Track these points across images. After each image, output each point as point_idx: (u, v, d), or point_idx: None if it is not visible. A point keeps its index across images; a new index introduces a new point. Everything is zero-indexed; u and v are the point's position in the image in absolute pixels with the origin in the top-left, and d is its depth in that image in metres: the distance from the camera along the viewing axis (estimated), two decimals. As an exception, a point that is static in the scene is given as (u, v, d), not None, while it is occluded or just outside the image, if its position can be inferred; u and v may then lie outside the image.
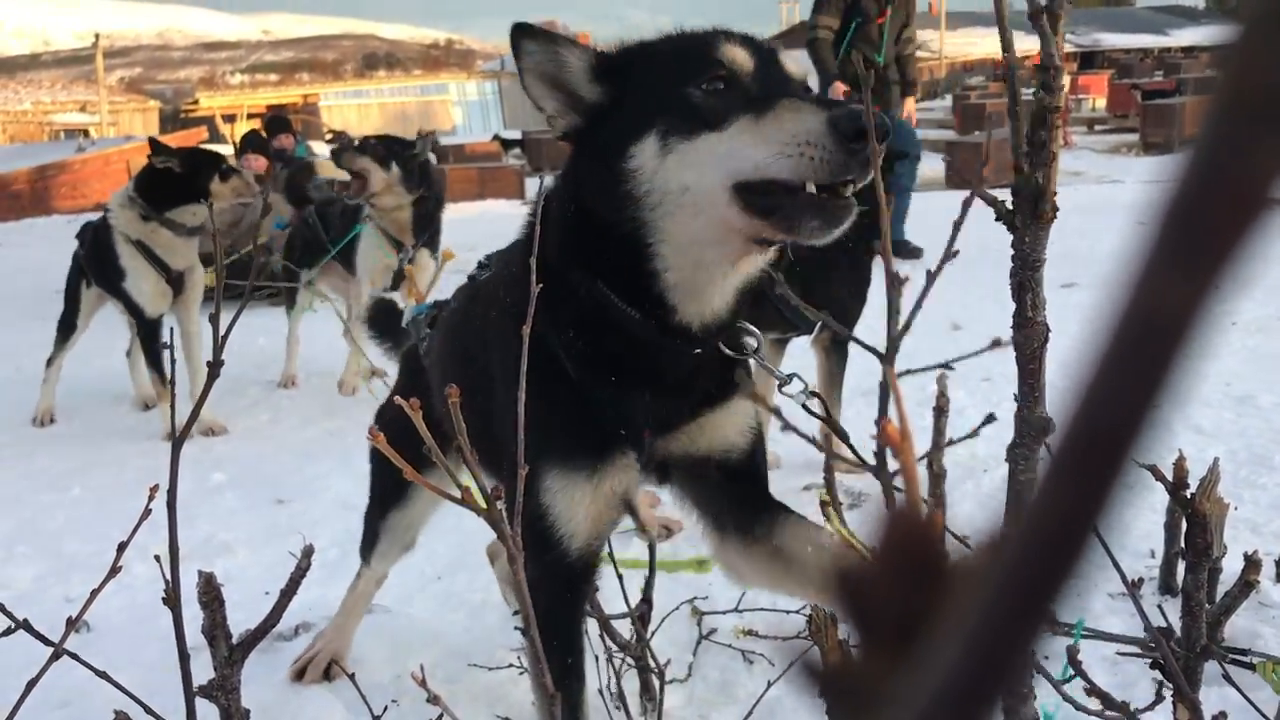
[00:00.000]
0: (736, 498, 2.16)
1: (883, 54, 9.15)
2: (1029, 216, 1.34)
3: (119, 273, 6.09)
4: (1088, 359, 0.30)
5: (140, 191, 6.06)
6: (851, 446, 1.94)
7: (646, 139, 1.82)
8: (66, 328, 6.74)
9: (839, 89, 8.96)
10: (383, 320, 3.70)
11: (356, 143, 6.58)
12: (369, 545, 3.13)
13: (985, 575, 0.31)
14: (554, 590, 2.04)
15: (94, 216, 6.96)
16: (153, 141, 6.33)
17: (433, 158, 6.71)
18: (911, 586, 0.35)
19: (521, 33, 1.97)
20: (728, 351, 1.99)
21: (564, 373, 1.98)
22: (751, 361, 2.07)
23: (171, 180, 5.98)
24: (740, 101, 1.81)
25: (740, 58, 1.87)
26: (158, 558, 1.39)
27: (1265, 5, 0.27)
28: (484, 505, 0.84)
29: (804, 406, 2.12)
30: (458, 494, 1.06)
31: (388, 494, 3.00)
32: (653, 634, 2.80)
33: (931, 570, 0.35)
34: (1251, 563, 2.01)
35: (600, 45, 2.03)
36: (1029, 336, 1.41)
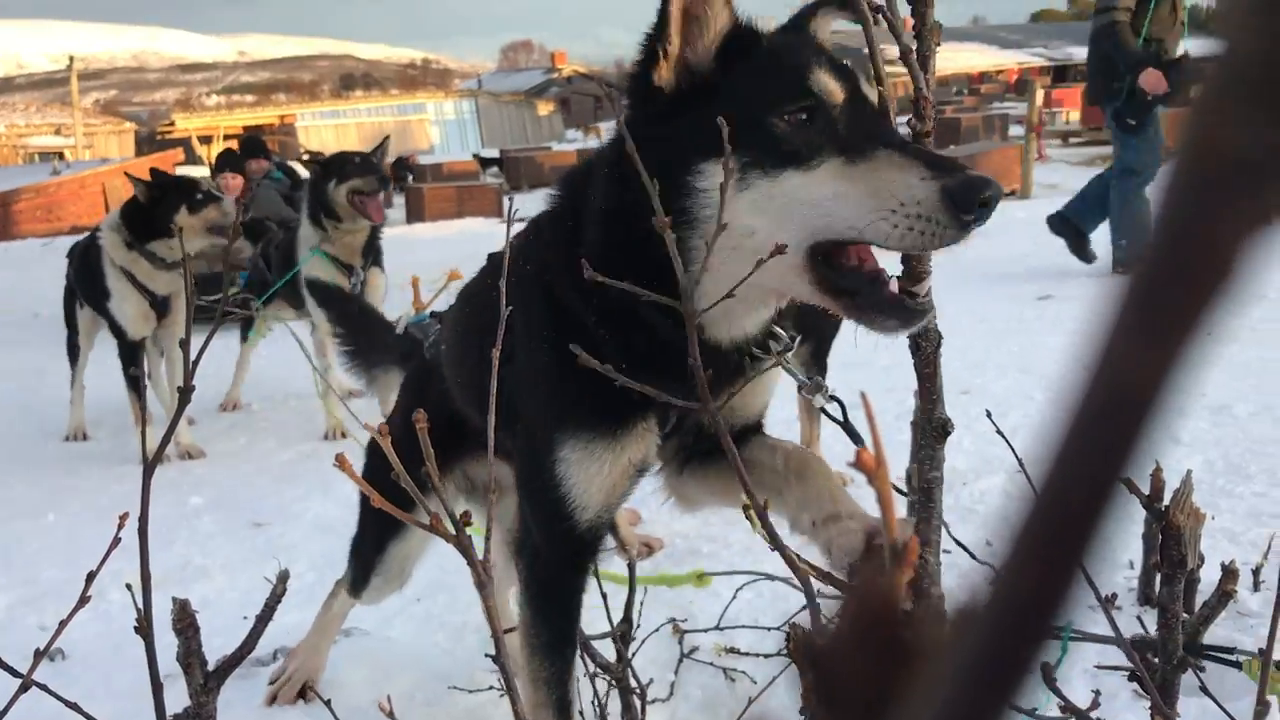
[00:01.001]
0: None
1: (1185, 35, 8.62)
2: None
3: (104, 293, 6.15)
4: (1053, 430, 0.29)
5: (125, 219, 6.08)
6: (858, 454, 1.92)
7: (718, 165, 1.58)
8: (73, 350, 6.89)
9: (1152, 77, 8.26)
10: (346, 312, 3.64)
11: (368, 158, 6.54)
12: (360, 579, 2.97)
13: (952, 655, 0.31)
14: (558, 560, 2.03)
15: (69, 240, 6.95)
16: (127, 174, 6.35)
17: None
18: (876, 662, 0.34)
19: None
20: (755, 352, 1.93)
21: (589, 341, 1.84)
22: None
23: (146, 213, 5.99)
24: (828, 139, 1.62)
25: (831, 88, 1.67)
26: (129, 586, 1.37)
27: (1224, 70, 0.26)
28: (453, 532, 0.83)
29: (823, 410, 2.12)
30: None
31: (385, 525, 2.82)
32: (634, 653, 2.79)
33: (896, 646, 0.34)
34: (1229, 573, 2.02)
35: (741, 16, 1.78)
36: (923, 342, 1.44)
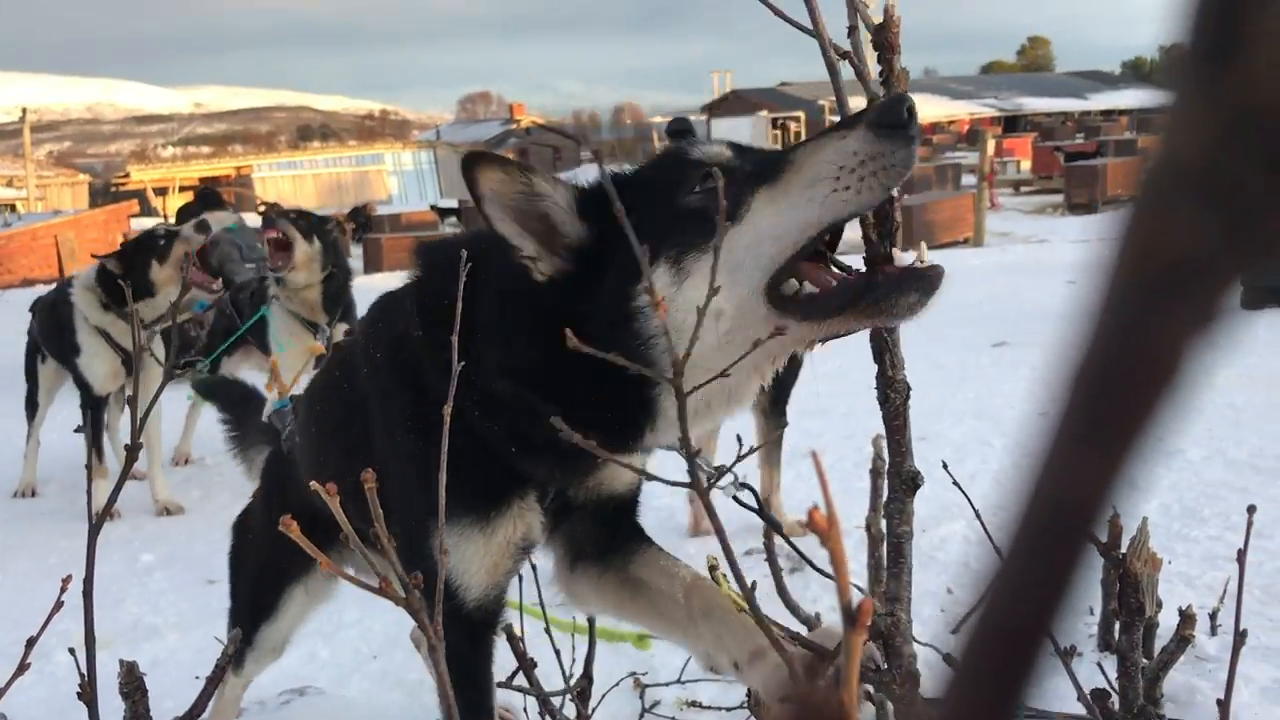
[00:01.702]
0: (608, 530, 2.12)
1: None
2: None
3: (74, 349, 6.09)
4: (999, 543, 0.28)
5: (100, 281, 6.03)
6: (786, 539, 1.93)
7: (656, 270, 1.60)
8: (32, 405, 6.80)
9: None
10: (230, 398, 3.58)
11: (291, 213, 6.51)
12: (238, 656, 2.84)
13: None
14: (454, 639, 2.02)
15: (21, 293, 6.89)
16: (94, 255, 6.30)
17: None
18: None
19: (479, 164, 1.67)
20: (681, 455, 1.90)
21: (460, 419, 1.84)
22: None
23: (125, 278, 5.94)
24: (742, 185, 1.61)
25: (715, 150, 1.70)
26: (73, 651, 1.33)
27: (1157, 183, 0.26)
28: (403, 594, 0.81)
29: (735, 499, 2.11)
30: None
31: (257, 607, 2.76)
32: (594, 709, 2.75)
33: None
34: (1186, 618, 2.03)
35: (577, 182, 1.82)
36: (891, 394, 1.44)
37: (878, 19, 1.46)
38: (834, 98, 1.66)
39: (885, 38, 1.40)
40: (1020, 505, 0.28)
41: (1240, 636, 1.58)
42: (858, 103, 1.63)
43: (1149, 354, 0.26)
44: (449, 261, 1.86)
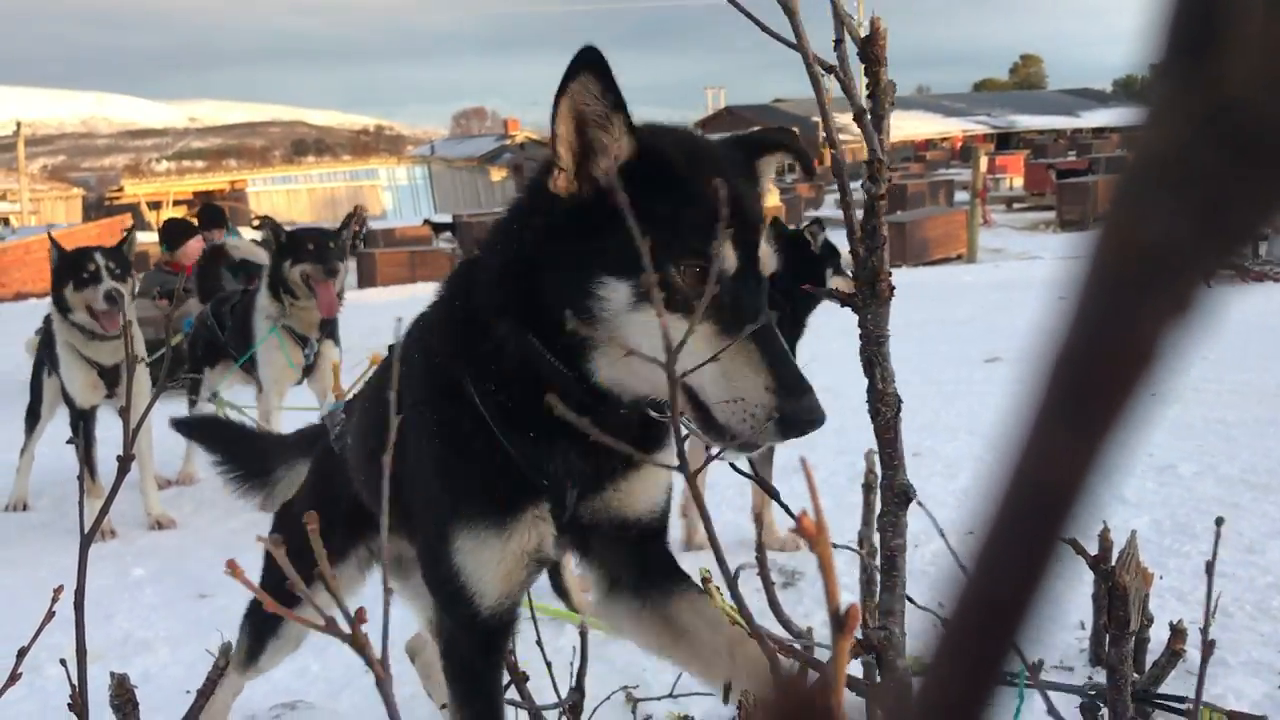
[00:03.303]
0: (639, 558, 2.14)
1: None
2: (869, 296, 1.40)
3: (55, 361, 6.12)
4: (978, 525, 0.29)
5: (53, 291, 6.05)
6: (782, 504, 1.93)
7: (621, 284, 1.71)
8: (33, 416, 6.77)
9: None
10: (214, 437, 3.53)
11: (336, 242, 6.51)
12: (252, 653, 2.92)
13: None
14: (468, 646, 2.07)
15: (13, 306, 6.90)
16: (50, 237, 6.28)
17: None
18: None
19: (588, 64, 1.69)
20: (654, 415, 1.93)
21: (481, 425, 1.93)
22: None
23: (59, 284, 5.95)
24: (714, 301, 1.71)
25: (729, 256, 1.76)
26: (64, 661, 1.33)
27: (1132, 175, 0.27)
28: (349, 630, 0.81)
29: (733, 466, 2.11)
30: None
31: (285, 600, 2.81)
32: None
33: None
34: (1177, 632, 2.03)
35: (637, 126, 1.79)
36: (882, 408, 1.44)
37: (864, 32, 1.46)
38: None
39: (872, 50, 1.40)
40: (999, 486, 0.28)
41: (1209, 646, 1.58)
42: (843, 119, 1.63)
43: (1126, 340, 0.26)
44: (475, 265, 2.02)
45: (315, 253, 6.24)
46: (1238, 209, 0.25)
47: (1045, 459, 0.27)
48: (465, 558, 1.95)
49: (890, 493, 1.60)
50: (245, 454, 3.42)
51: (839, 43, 1.45)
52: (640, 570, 2.15)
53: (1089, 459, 0.27)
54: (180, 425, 3.79)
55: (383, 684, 0.76)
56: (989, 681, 0.28)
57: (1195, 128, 0.25)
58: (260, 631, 2.90)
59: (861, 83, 1.56)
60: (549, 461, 1.94)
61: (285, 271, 6.23)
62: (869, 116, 1.50)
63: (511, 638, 2.12)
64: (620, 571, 2.17)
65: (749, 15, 1.50)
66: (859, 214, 1.54)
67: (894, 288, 1.50)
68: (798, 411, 1.69)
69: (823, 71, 1.49)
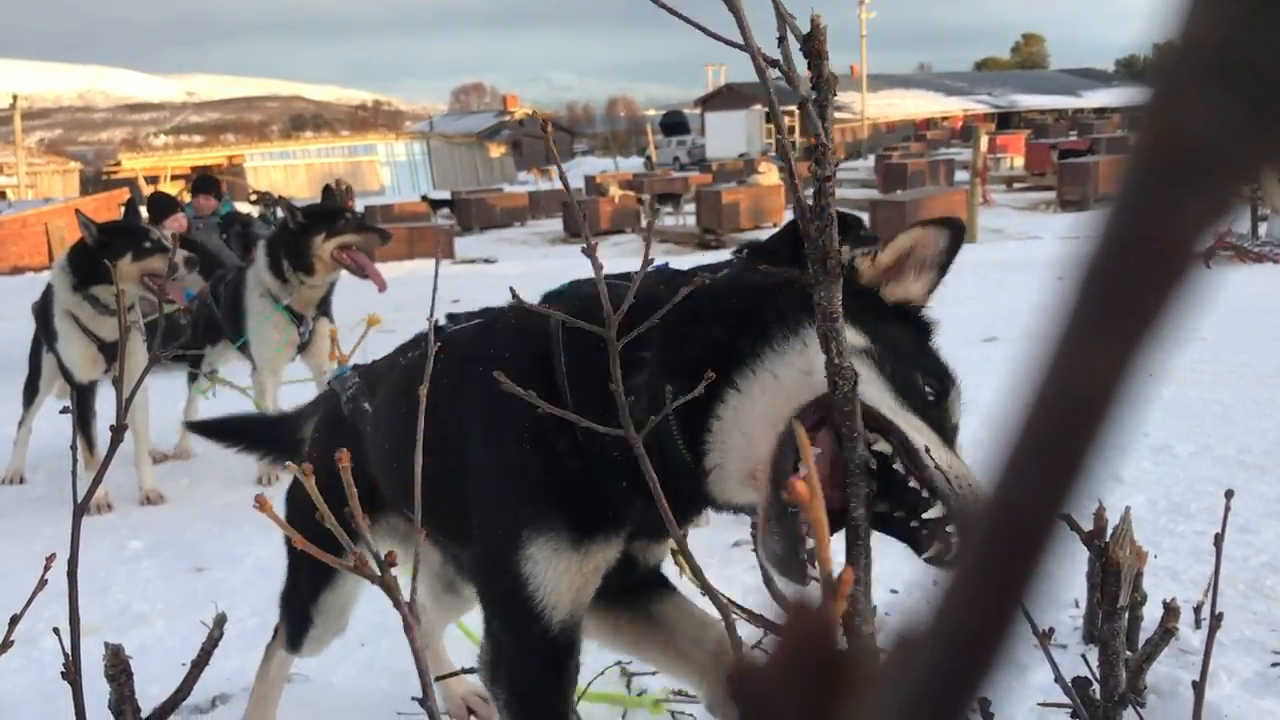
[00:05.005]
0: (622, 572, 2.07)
1: None
2: (820, 273, 1.42)
3: (53, 334, 6.06)
4: (1006, 436, 0.28)
5: (71, 261, 5.96)
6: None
7: (812, 342, 1.66)
8: (30, 391, 6.75)
9: None
10: (229, 433, 3.50)
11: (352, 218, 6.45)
12: (299, 632, 2.84)
13: (896, 678, 0.29)
14: (539, 667, 1.94)
15: (9, 280, 6.85)
16: (78, 213, 6.21)
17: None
18: (811, 687, 0.32)
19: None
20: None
21: (571, 444, 1.84)
22: None
23: (92, 255, 5.84)
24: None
25: (946, 389, 1.92)
26: (57, 630, 1.33)
27: (1175, 66, 0.26)
28: (379, 573, 0.81)
29: None
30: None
31: (317, 573, 2.72)
32: (580, 696, 2.76)
33: (832, 677, 0.32)
34: (1170, 610, 2.04)
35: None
36: (840, 381, 1.45)
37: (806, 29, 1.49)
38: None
39: (813, 45, 1.43)
40: (1030, 394, 0.27)
41: (1216, 620, 1.59)
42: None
43: (1164, 240, 0.25)
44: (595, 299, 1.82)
45: (353, 222, 6.23)
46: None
47: (1076, 365, 0.26)
48: (540, 565, 1.86)
49: (850, 465, 1.59)
50: (269, 437, 3.41)
51: (782, 39, 1.47)
52: (619, 580, 2.08)
53: (1121, 365, 0.26)
54: (197, 428, 3.79)
55: (410, 630, 0.76)
56: (1015, 600, 0.28)
57: (1245, 13, 0.24)
58: (301, 616, 2.82)
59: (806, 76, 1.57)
60: (623, 498, 1.88)
61: (316, 247, 6.17)
62: (812, 107, 1.52)
63: (578, 660, 2.00)
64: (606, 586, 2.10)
65: (683, 17, 1.53)
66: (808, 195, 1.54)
67: (844, 265, 1.51)
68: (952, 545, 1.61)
69: (767, 65, 1.51)
